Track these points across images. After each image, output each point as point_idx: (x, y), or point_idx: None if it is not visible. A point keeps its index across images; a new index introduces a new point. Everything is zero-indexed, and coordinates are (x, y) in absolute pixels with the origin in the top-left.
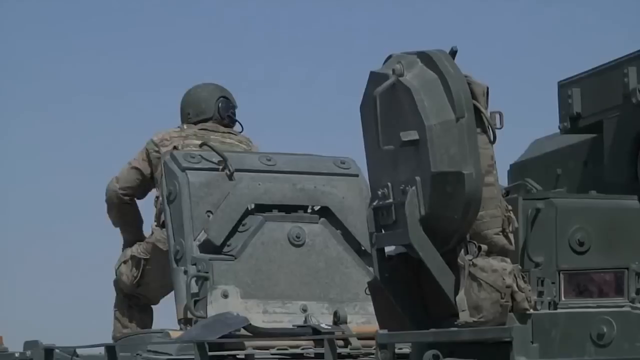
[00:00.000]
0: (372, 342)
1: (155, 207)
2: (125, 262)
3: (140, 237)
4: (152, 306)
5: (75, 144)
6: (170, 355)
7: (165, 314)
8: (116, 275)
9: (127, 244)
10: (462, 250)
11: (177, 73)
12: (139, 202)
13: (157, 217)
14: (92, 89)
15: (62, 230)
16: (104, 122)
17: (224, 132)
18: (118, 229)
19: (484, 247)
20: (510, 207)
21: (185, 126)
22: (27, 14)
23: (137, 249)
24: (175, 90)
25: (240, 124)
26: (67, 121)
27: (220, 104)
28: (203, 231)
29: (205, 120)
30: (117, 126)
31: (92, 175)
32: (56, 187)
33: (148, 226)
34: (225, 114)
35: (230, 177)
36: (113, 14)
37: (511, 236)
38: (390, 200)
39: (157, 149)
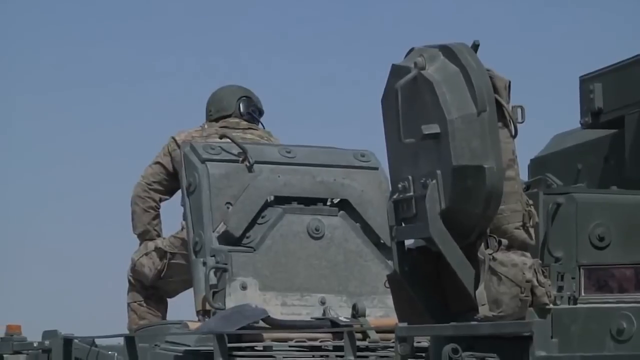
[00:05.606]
0: (391, 336)
1: (182, 205)
2: (147, 254)
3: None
4: (168, 299)
5: (95, 133)
6: (189, 346)
7: (182, 305)
8: (135, 266)
9: (147, 236)
10: (482, 245)
11: (193, 69)
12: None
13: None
14: (95, 81)
15: (79, 222)
16: (114, 113)
17: (245, 128)
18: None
19: (504, 241)
20: (531, 202)
21: (206, 125)
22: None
23: (162, 242)
24: (188, 86)
25: (262, 123)
26: (79, 111)
27: (241, 103)
28: (222, 223)
29: (226, 117)
30: (128, 118)
31: (113, 167)
32: (71, 178)
33: (176, 222)
34: (245, 112)
35: (250, 168)
36: (117, 5)
37: (531, 231)
38: (411, 193)
39: (178, 149)
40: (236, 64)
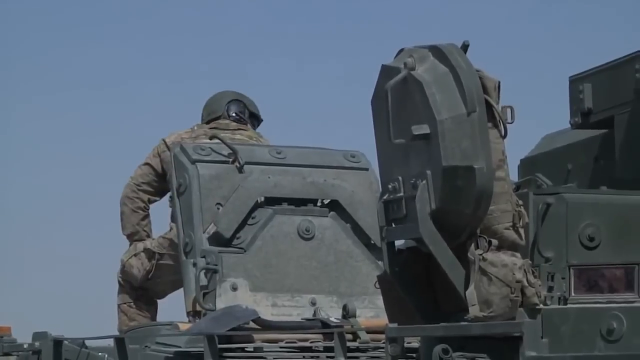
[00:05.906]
0: (381, 336)
1: (170, 207)
2: (136, 254)
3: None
4: (158, 300)
5: (83, 136)
6: (179, 347)
7: (173, 306)
8: (124, 267)
9: (136, 237)
10: (473, 245)
11: (193, 69)
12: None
13: (174, 216)
14: (91, 82)
15: (70, 223)
16: (109, 114)
17: (234, 129)
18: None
19: (495, 241)
20: (521, 202)
21: (196, 127)
22: (27, 5)
23: (151, 243)
24: (187, 86)
25: (252, 126)
26: (74, 113)
27: (230, 105)
28: (212, 224)
29: (216, 119)
30: (126, 118)
31: (100, 168)
32: (62, 180)
33: (165, 223)
34: (233, 113)
35: (240, 169)
36: (111, 7)
37: (522, 231)
38: (401, 194)
39: (167, 151)
40: (236, 64)
